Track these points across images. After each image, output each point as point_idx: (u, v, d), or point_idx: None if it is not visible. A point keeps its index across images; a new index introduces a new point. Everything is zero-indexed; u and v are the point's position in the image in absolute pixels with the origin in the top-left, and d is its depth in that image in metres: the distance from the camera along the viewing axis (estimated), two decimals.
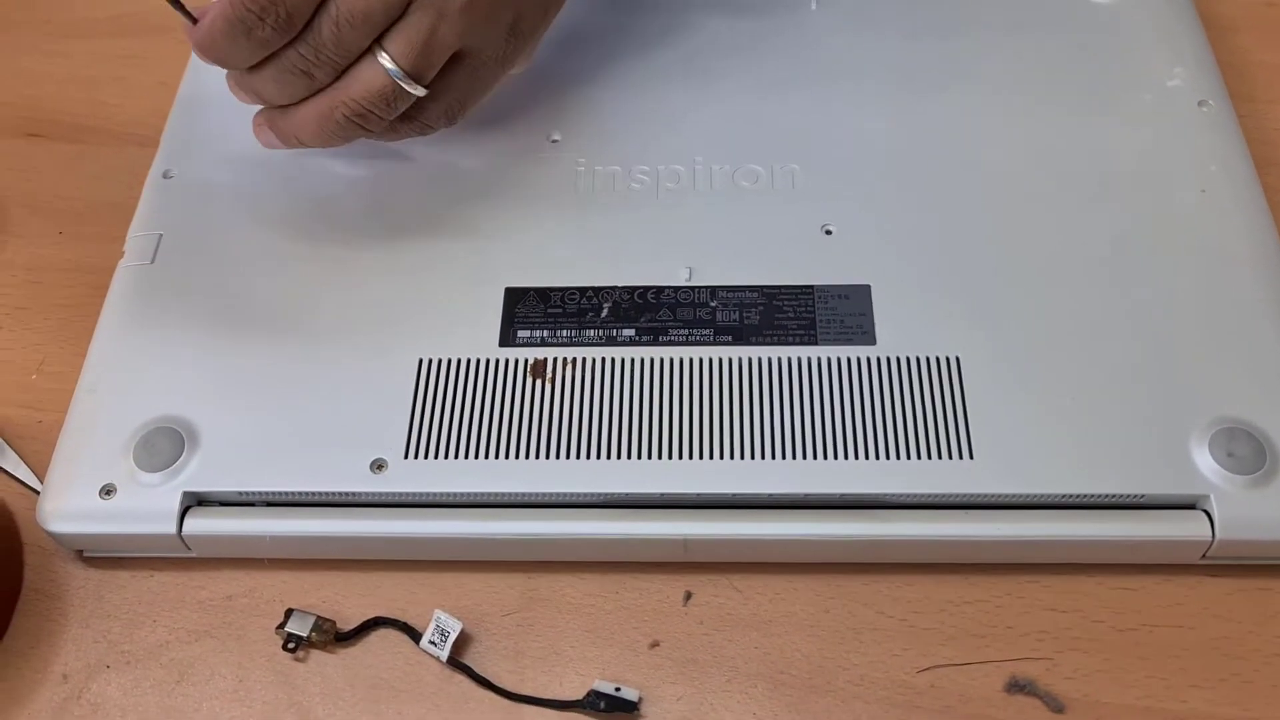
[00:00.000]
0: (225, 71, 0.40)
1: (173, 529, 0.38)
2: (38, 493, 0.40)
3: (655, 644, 0.38)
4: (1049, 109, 0.46)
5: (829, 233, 0.43)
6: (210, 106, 0.48)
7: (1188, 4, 0.50)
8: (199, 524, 0.38)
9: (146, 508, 0.38)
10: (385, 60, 0.38)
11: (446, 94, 0.41)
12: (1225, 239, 0.42)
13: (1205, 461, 0.37)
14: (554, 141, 0.47)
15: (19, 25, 0.55)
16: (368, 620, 0.38)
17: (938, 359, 0.40)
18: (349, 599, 0.39)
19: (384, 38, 0.38)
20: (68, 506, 0.39)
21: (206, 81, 0.47)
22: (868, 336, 0.41)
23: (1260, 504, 0.37)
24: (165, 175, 0.46)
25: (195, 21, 0.39)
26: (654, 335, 0.41)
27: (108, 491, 0.39)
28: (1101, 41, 0.48)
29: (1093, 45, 0.48)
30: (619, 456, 0.38)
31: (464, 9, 0.38)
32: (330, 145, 0.41)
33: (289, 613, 0.38)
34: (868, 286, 0.42)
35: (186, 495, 0.38)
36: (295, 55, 0.38)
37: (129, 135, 0.51)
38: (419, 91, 0.39)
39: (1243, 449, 0.37)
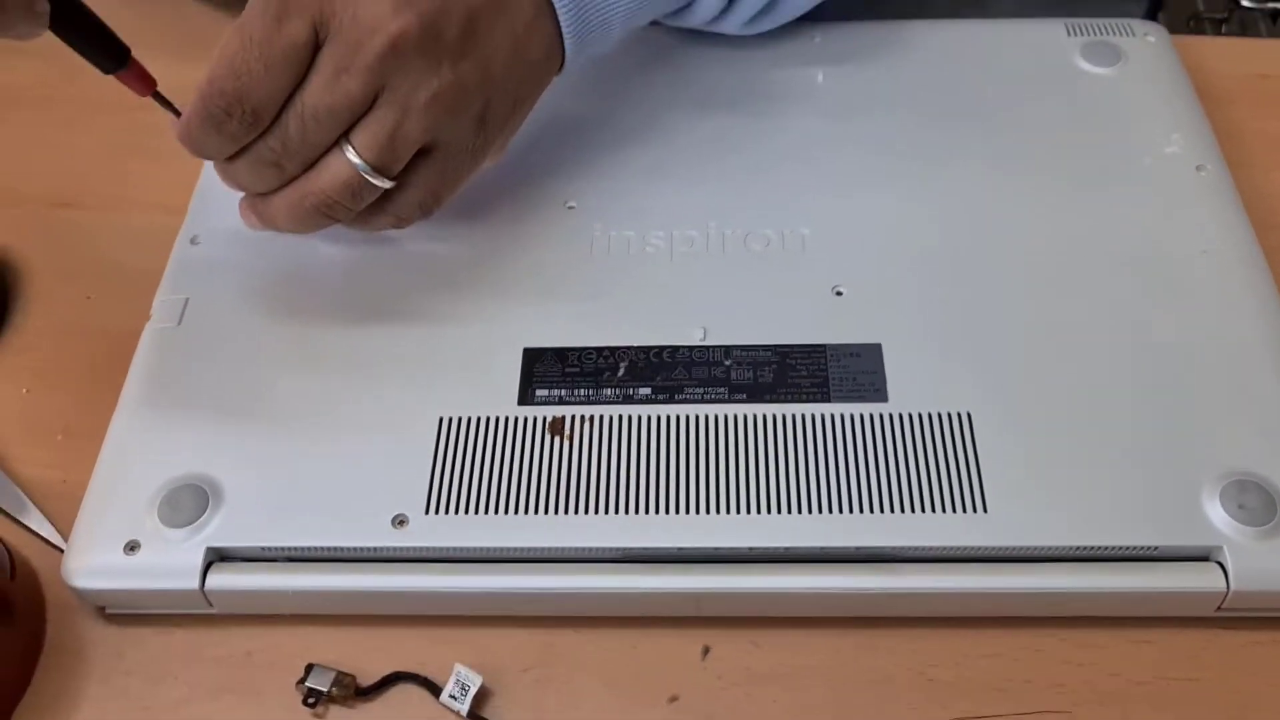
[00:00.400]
0: None
1: (195, 584, 0.38)
2: (61, 551, 0.41)
3: (674, 698, 0.38)
4: (1051, 173, 0.48)
5: (839, 294, 0.44)
6: None
7: (1182, 74, 0.52)
8: (221, 579, 0.39)
9: (170, 563, 0.39)
10: (351, 154, 0.40)
11: (418, 186, 0.42)
12: (1228, 297, 0.43)
13: (1217, 514, 0.38)
14: (570, 208, 0.48)
15: (51, 101, 0.57)
16: (388, 675, 0.38)
17: (949, 415, 0.40)
18: (369, 654, 0.39)
19: (350, 132, 0.40)
20: (92, 562, 0.39)
21: None
22: (880, 394, 0.41)
23: (1273, 556, 0.37)
24: (193, 241, 0.48)
25: (179, 115, 0.40)
26: (670, 393, 0.42)
27: (132, 547, 0.39)
28: (1100, 110, 0.50)
29: (1092, 113, 0.50)
30: (637, 512, 0.39)
31: (428, 104, 0.40)
32: (304, 231, 0.43)
33: (309, 668, 0.38)
34: (879, 345, 0.43)
35: (209, 551, 0.39)
36: (265, 148, 0.39)
37: (156, 204, 0.52)
38: (385, 184, 0.41)
39: (1253, 501, 0.38)
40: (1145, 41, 0.53)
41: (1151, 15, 0.62)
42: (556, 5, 0.43)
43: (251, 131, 0.39)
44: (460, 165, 0.43)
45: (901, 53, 0.53)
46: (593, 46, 0.45)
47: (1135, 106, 0.50)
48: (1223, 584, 0.37)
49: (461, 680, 0.38)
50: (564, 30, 0.43)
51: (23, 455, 0.44)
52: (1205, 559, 0.38)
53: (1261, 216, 0.47)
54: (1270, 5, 0.95)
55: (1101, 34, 0.53)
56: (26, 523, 0.42)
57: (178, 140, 0.40)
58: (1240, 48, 0.58)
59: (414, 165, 0.42)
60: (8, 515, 0.43)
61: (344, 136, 0.40)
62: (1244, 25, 0.99)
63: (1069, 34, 0.53)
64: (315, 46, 0.39)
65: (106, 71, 0.40)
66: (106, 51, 0.40)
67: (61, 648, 0.40)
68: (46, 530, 0.42)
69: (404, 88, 0.39)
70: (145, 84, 0.41)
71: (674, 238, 0.46)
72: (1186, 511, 0.38)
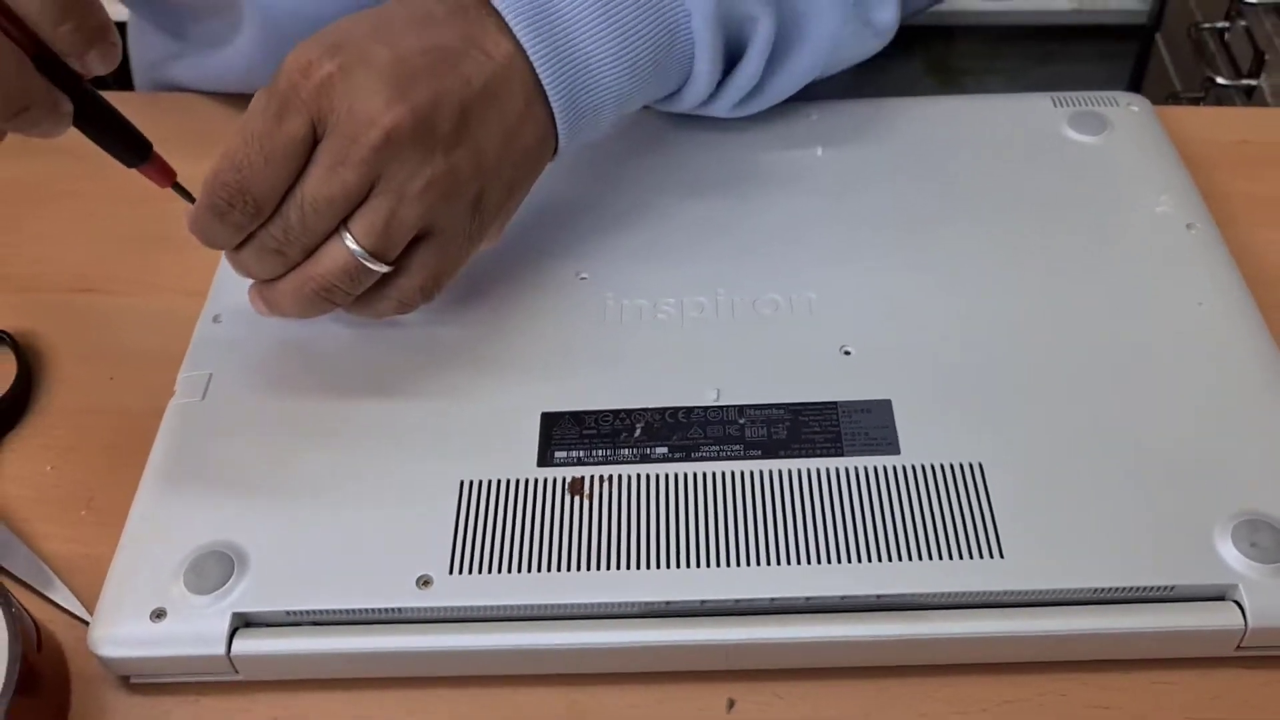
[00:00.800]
0: None
1: (222, 650, 0.39)
2: (86, 624, 0.41)
3: None
4: (1047, 235, 0.49)
5: (847, 353, 0.46)
6: None
7: (1166, 140, 0.54)
8: (247, 644, 0.39)
9: (196, 630, 0.39)
10: (349, 241, 0.41)
11: (418, 271, 0.44)
12: (1227, 345, 0.45)
13: (1230, 553, 0.39)
14: (582, 279, 0.49)
15: (75, 195, 0.58)
16: None
17: (961, 465, 0.41)
18: (396, 717, 0.39)
19: (349, 220, 0.41)
20: (119, 631, 0.39)
21: None
22: (892, 447, 0.42)
23: None
24: (215, 320, 0.49)
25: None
26: (686, 452, 0.43)
27: (158, 615, 0.39)
28: (1091, 175, 0.52)
29: (1083, 178, 0.52)
30: (658, 567, 0.39)
31: (423, 191, 0.41)
32: (307, 316, 0.44)
33: None
34: (888, 401, 0.44)
35: (235, 617, 0.39)
36: (269, 237, 0.41)
37: (177, 289, 0.53)
38: (382, 268, 0.42)
39: (1265, 539, 0.39)
40: (1129, 111, 0.55)
41: None
42: (549, 94, 0.45)
43: (254, 221, 0.41)
44: (457, 249, 0.44)
45: (897, 127, 0.55)
46: (585, 132, 0.47)
47: (1124, 171, 0.52)
48: (1240, 621, 0.38)
49: None
50: (557, 118, 0.45)
51: (47, 531, 0.45)
52: (1221, 598, 0.38)
53: (1250, 271, 0.48)
54: (1244, 82, 0.99)
55: (1086, 105, 0.56)
56: (51, 597, 0.43)
57: (189, 230, 0.42)
58: (1219, 116, 0.60)
59: (412, 250, 0.43)
60: (33, 590, 0.43)
61: (343, 224, 0.41)
62: (1220, 101, 1.03)
63: (1055, 106, 0.56)
64: (314, 141, 0.41)
65: (129, 165, 0.42)
66: (129, 146, 0.42)
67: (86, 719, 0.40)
68: (71, 604, 0.42)
69: (399, 177, 0.41)
70: (166, 176, 0.43)
71: (684, 304, 0.48)
72: (1200, 552, 0.39)
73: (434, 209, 0.42)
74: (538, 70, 0.44)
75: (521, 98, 0.44)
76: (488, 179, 0.43)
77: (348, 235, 0.41)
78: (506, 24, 0.44)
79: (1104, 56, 1.52)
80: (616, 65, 0.46)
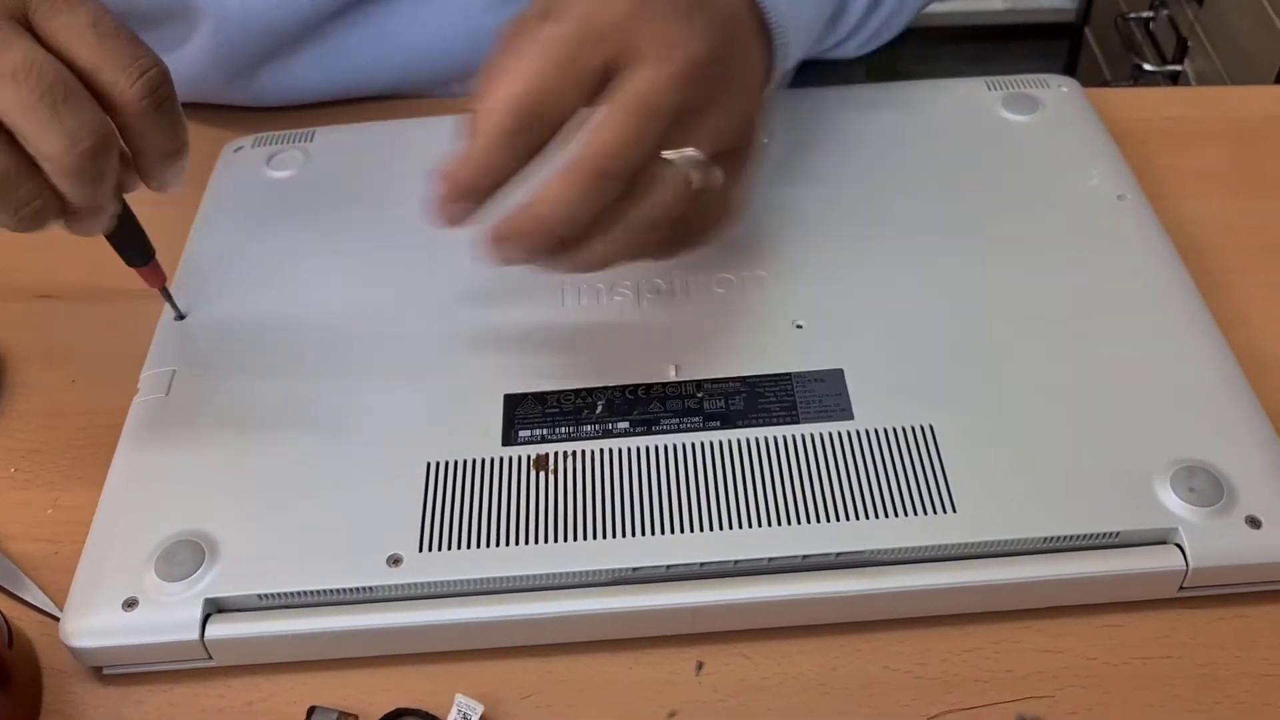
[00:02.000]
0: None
1: (195, 635, 0.39)
2: (56, 619, 0.41)
3: (673, 714, 0.39)
4: (989, 207, 0.51)
5: (799, 327, 0.47)
6: (215, 256, 0.52)
7: (1096, 117, 0.56)
8: (221, 629, 0.39)
9: (169, 617, 0.39)
10: (691, 151, 0.40)
11: (730, 187, 0.44)
12: (1159, 305, 0.47)
13: (1170, 499, 0.40)
14: None
15: None
16: (390, 712, 0.39)
17: (912, 428, 0.43)
18: (371, 694, 0.40)
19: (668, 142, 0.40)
20: (91, 622, 0.40)
21: (211, 235, 0.52)
22: (846, 413, 0.44)
23: (1224, 533, 0.40)
24: (175, 319, 0.49)
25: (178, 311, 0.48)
26: (647, 426, 0.44)
27: (130, 604, 0.40)
28: (1026, 152, 0.54)
29: (1018, 155, 0.54)
30: (624, 536, 0.40)
31: (725, 108, 0.42)
32: (627, 259, 0.42)
33: (311, 711, 0.39)
34: (840, 370, 0.45)
35: (208, 603, 0.40)
36: (619, 159, 0.39)
37: (136, 293, 0.53)
38: (719, 176, 0.42)
39: (1201, 484, 0.40)
40: (1059, 92, 0.58)
41: None
42: (772, 27, 0.46)
43: (540, 146, 0.40)
44: (749, 168, 0.45)
45: (840, 113, 0.57)
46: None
47: (1056, 147, 0.54)
48: (1182, 563, 0.39)
49: (463, 710, 0.38)
50: (775, 52, 0.46)
51: (14, 531, 0.45)
52: (1164, 542, 0.40)
53: (1178, 238, 0.50)
54: (1170, 68, 1.02)
55: (1019, 88, 0.58)
56: (20, 595, 0.43)
57: (452, 174, 0.40)
58: (1146, 95, 0.62)
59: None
60: (1, 589, 0.43)
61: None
62: (1148, 86, 1.07)
63: (989, 89, 0.58)
64: (607, 77, 0.40)
65: (131, 265, 0.45)
66: (139, 250, 0.45)
67: (59, 713, 0.40)
68: (41, 601, 0.43)
69: (701, 97, 0.40)
70: (159, 279, 0.47)
71: (640, 286, 0.49)
72: (1142, 499, 0.40)
73: (735, 124, 0.43)
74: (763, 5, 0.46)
75: (752, 31, 0.45)
76: (752, 100, 0.45)
77: (688, 150, 0.40)
78: None
79: (1037, 54, 1.56)
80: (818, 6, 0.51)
